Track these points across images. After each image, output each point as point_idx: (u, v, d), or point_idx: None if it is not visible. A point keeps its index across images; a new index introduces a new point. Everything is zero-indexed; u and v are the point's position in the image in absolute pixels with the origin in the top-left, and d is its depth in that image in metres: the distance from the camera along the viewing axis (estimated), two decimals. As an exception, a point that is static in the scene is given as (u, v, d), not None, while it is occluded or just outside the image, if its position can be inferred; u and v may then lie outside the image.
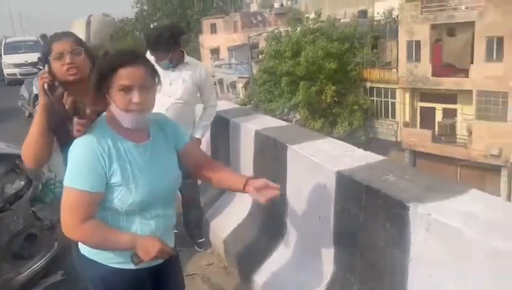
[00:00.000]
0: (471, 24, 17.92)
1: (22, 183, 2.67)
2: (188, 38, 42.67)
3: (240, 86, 33.71)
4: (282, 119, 18.59)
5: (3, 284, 2.44)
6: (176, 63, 3.11)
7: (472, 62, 18.21)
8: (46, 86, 1.79)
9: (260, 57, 27.14)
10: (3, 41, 19.14)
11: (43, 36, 17.50)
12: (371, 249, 1.93)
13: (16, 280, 2.46)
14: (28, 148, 1.82)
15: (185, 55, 3.19)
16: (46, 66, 1.89)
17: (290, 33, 23.56)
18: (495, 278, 1.36)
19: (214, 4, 50.00)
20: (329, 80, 21.66)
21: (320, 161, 2.31)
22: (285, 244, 2.65)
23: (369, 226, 1.93)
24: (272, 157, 2.86)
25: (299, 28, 23.55)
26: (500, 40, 17.16)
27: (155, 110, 3.03)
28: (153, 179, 1.53)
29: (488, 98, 18.14)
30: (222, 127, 3.60)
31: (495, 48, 17.40)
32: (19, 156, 2.02)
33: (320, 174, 2.27)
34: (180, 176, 1.67)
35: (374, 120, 22.50)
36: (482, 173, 18.81)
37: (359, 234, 2.01)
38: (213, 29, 40.38)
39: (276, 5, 43.51)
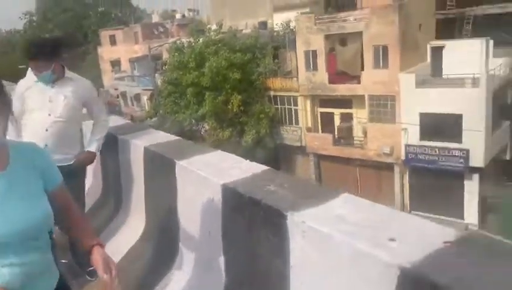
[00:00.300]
0: (359, 34, 19.47)
1: None
2: (85, 50, 40.53)
3: (144, 98, 33.01)
4: (191, 130, 18.43)
5: None
6: (56, 77, 2.90)
7: (363, 69, 19.76)
8: None
9: (164, 68, 26.83)
10: None
11: None
12: (257, 260, 1.95)
13: None
14: None
15: (66, 70, 2.99)
16: None
17: (193, 44, 23.62)
18: (360, 279, 1.43)
19: (113, 15, 47.98)
20: (234, 90, 22.06)
21: (207, 175, 2.29)
22: (180, 264, 2.59)
23: (254, 237, 1.95)
24: (161, 174, 2.78)
25: (201, 38, 23.72)
26: (385, 49, 18.85)
27: (34, 129, 2.82)
28: (4, 219, 1.32)
29: (378, 102, 19.79)
30: (111, 144, 3.43)
31: (381, 55, 19.07)
32: None
33: (207, 189, 2.26)
34: (49, 214, 1.44)
35: (280, 127, 23.33)
36: (378, 170, 20.43)
37: (246, 246, 2.02)
38: (112, 40, 39.21)
39: (178, 16, 43.49)
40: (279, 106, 23.31)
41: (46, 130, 2.85)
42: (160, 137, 3.26)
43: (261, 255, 1.91)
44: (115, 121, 4.01)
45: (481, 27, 20.43)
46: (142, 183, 3.08)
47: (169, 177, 2.62)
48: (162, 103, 25.33)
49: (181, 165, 2.52)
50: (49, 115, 2.87)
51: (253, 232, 1.95)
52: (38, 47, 2.79)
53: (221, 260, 2.20)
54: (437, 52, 18.85)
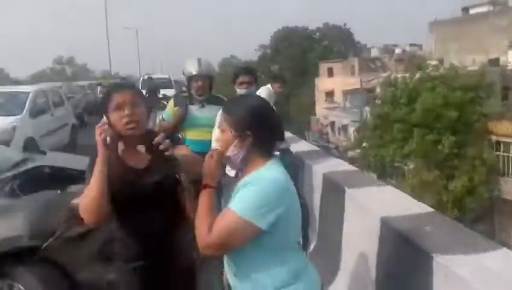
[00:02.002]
0: None
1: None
2: (304, 80, 42.38)
3: (351, 129, 32.82)
4: (392, 167, 18.40)
5: (95, 280, 2.87)
6: None
7: None
8: (108, 138, 1.69)
9: (375, 102, 25.65)
10: (141, 78, 20.80)
11: (149, 78, 18.94)
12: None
13: (105, 278, 2.79)
14: (87, 204, 1.69)
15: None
16: (104, 117, 1.80)
17: (408, 79, 22.26)
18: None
19: (335, 49, 50.89)
20: (447, 130, 19.56)
21: (371, 207, 2.60)
22: (339, 281, 2.92)
23: (403, 271, 2.17)
24: (334, 199, 3.20)
25: (418, 74, 22.14)
26: None
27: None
28: None
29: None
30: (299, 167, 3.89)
31: None
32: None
33: (369, 219, 2.54)
34: None
35: (499, 177, 19.94)
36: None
37: (396, 278, 2.24)
38: (330, 72, 40.88)
39: (398, 51, 42.84)
40: (501, 154, 20.04)
41: None
42: (339, 166, 3.69)
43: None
44: (302, 146, 4.63)
45: None
46: (318, 206, 3.53)
47: (339, 202, 3.03)
48: (367, 136, 24.28)
49: (350, 193, 2.92)
50: None
51: (403, 267, 2.17)
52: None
53: (372, 282, 2.44)
54: None
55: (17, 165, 3.45)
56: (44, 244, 2.78)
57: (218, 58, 62.87)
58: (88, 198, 1.68)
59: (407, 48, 45.11)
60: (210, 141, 3.33)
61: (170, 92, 15.78)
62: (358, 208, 2.81)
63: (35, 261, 2.83)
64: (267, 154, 1.60)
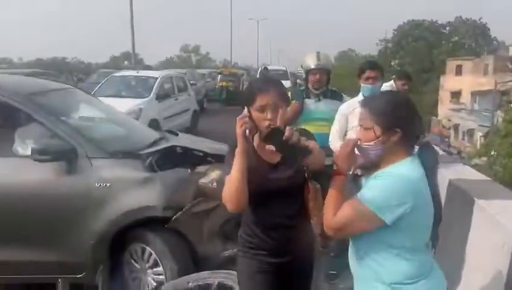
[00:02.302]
0: None
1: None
2: (428, 78, 40.84)
3: (478, 134, 31.01)
4: None
5: (214, 255, 3.09)
6: None
7: None
8: (247, 131, 1.77)
9: (510, 106, 23.82)
10: (259, 69, 22.58)
11: (265, 68, 20.31)
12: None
13: (223, 255, 3.08)
14: (230, 194, 1.80)
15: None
16: (246, 109, 1.84)
17: None
18: None
19: (466, 45, 48.22)
20: None
21: (503, 221, 2.43)
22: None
23: None
24: (459, 207, 3.05)
25: None
26: None
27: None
28: None
29: None
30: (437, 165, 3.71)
31: None
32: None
33: (500, 234, 2.39)
34: None
35: None
36: None
37: None
38: (458, 70, 38.30)
39: None
40: None
41: None
42: (467, 173, 3.53)
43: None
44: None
45: None
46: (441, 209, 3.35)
47: (466, 212, 2.87)
48: (496, 143, 22.02)
49: (479, 204, 2.74)
50: None
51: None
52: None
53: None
54: None
55: (154, 143, 3.82)
56: (174, 217, 3.06)
57: (335, 51, 61.65)
58: (230, 188, 1.79)
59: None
60: (326, 135, 3.36)
61: (286, 83, 16.22)
62: (489, 221, 2.63)
63: (165, 230, 3.13)
64: (409, 149, 1.62)
